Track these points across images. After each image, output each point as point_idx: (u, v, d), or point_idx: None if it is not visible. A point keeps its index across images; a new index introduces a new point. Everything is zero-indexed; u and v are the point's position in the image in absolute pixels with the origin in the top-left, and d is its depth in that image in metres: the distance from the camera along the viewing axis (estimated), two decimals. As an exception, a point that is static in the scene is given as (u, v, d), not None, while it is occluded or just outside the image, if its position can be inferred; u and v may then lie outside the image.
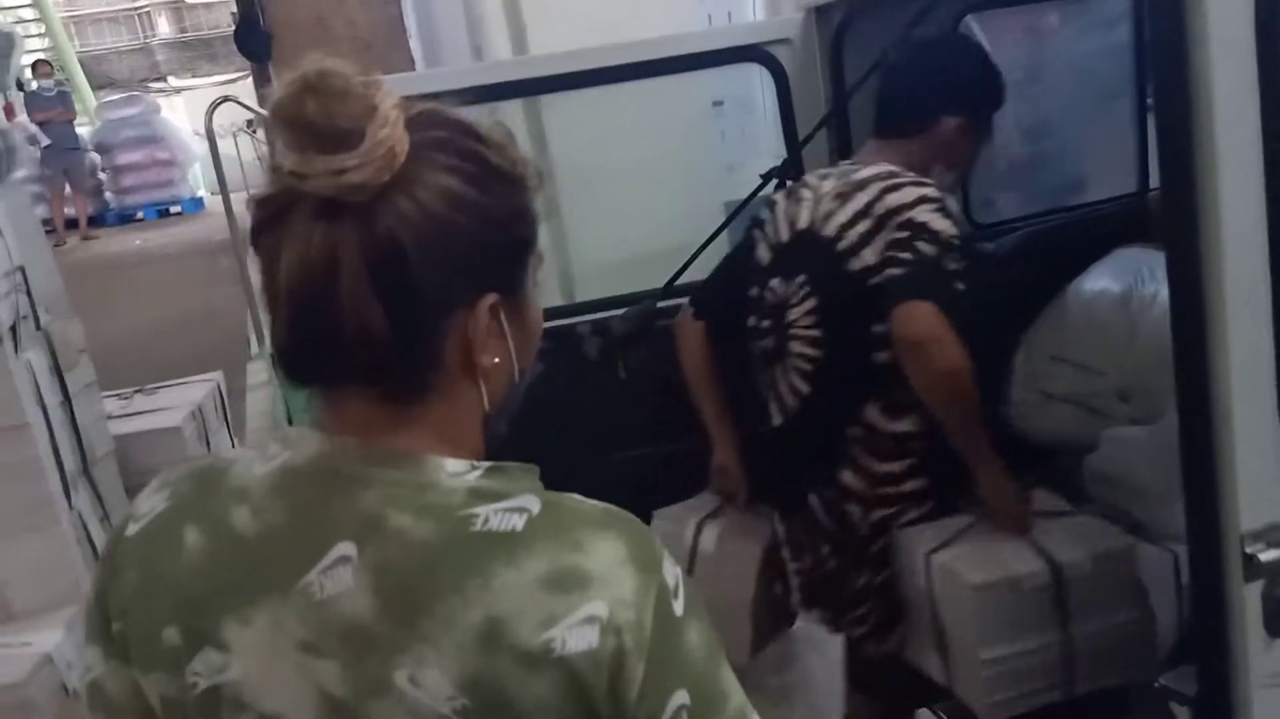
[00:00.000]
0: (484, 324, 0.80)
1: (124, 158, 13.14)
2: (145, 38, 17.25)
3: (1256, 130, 1.12)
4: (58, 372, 3.13)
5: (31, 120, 11.48)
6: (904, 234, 1.82)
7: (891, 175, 1.90)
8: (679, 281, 2.54)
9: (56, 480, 2.91)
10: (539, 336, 0.88)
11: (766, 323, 2.05)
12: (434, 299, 0.77)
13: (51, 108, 11.77)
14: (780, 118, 2.57)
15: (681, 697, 0.77)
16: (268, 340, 4.44)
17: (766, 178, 2.48)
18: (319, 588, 0.77)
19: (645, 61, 2.56)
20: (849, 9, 2.46)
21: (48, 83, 12.07)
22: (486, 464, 0.81)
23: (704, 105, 3.41)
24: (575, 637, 0.74)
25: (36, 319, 3.08)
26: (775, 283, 2.03)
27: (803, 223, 1.98)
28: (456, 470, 0.79)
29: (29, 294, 3.03)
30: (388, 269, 0.75)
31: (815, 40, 2.49)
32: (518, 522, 0.77)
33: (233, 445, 4.62)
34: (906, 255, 1.80)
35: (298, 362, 0.80)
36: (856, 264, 1.87)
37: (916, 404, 1.84)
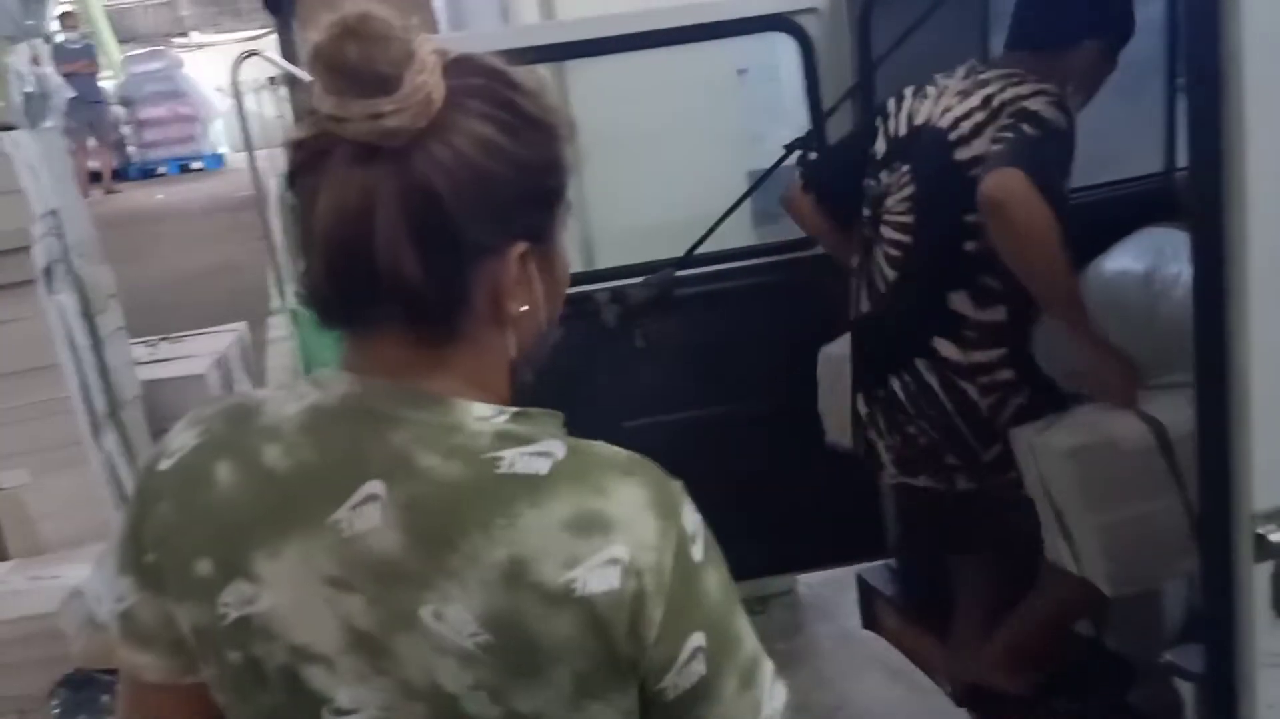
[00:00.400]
0: (514, 272, 0.81)
1: (147, 112, 13.16)
2: (170, -8, 17.25)
3: None
4: (88, 315, 3.20)
5: (57, 72, 11.52)
6: (1012, 120, 1.83)
7: (1018, 74, 1.92)
8: (699, 251, 2.57)
9: (85, 420, 2.99)
10: (566, 286, 0.89)
11: (868, 212, 2.10)
12: (466, 245, 0.78)
13: (77, 60, 11.79)
14: (805, 88, 2.59)
15: (698, 639, 0.79)
16: (289, 295, 4.50)
17: (790, 148, 2.51)
18: (348, 524, 0.79)
19: (672, 28, 2.57)
20: (878, -19, 2.47)
21: (74, 35, 12.09)
22: (513, 409, 0.82)
23: (729, 74, 3.42)
24: (597, 578, 0.76)
25: (69, 263, 3.15)
26: (884, 174, 2.07)
27: (920, 118, 2.02)
28: (483, 414, 0.81)
29: (62, 238, 3.10)
30: (423, 214, 0.76)
31: (843, 11, 2.50)
32: (542, 465, 0.79)
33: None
34: (1009, 135, 1.81)
35: (331, 304, 0.81)
36: (963, 154, 1.90)
37: (1007, 293, 1.86)
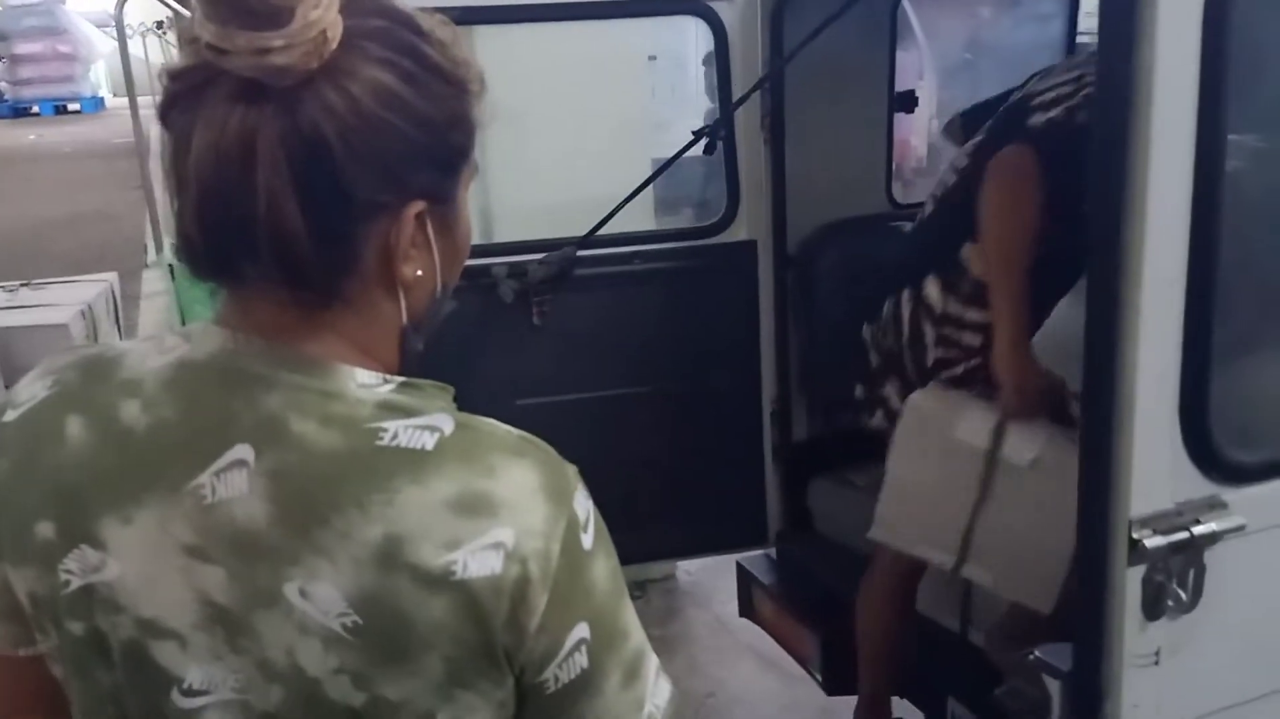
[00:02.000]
0: (408, 233, 0.75)
1: (22, 47, 12.44)
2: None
3: (1190, 134, 1.17)
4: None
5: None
6: (1083, 101, 1.83)
7: None
8: (601, 232, 2.55)
9: (-67, 367, 2.79)
10: (466, 253, 0.83)
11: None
12: (357, 200, 0.72)
13: (-55, -16, 11.09)
14: (717, 76, 2.60)
15: (582, 630, 0.75)
16: (166, 248, 4.31)
17: (697, 136, 2.51)
18: (211, 491, 0.73)
19: (585, 2, 2.55)
20: (794, -28, 2.49)
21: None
22: (400, 379, 0.77)
23: (640, 59, 3.41)
24: (478, 561, 0.71)
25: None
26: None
27: (1029, 88, 2.02)
28: (367, 382, 0.75)
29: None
30: (308, 163, 0.69)
31: (758, 1, 2.51)
32: (428, 440, 0.73)
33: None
34: (1064, 116, 1.83)
35: (203, 254, 0.73)
36: (1033, 119, 1.90)
37: None
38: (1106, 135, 1.19)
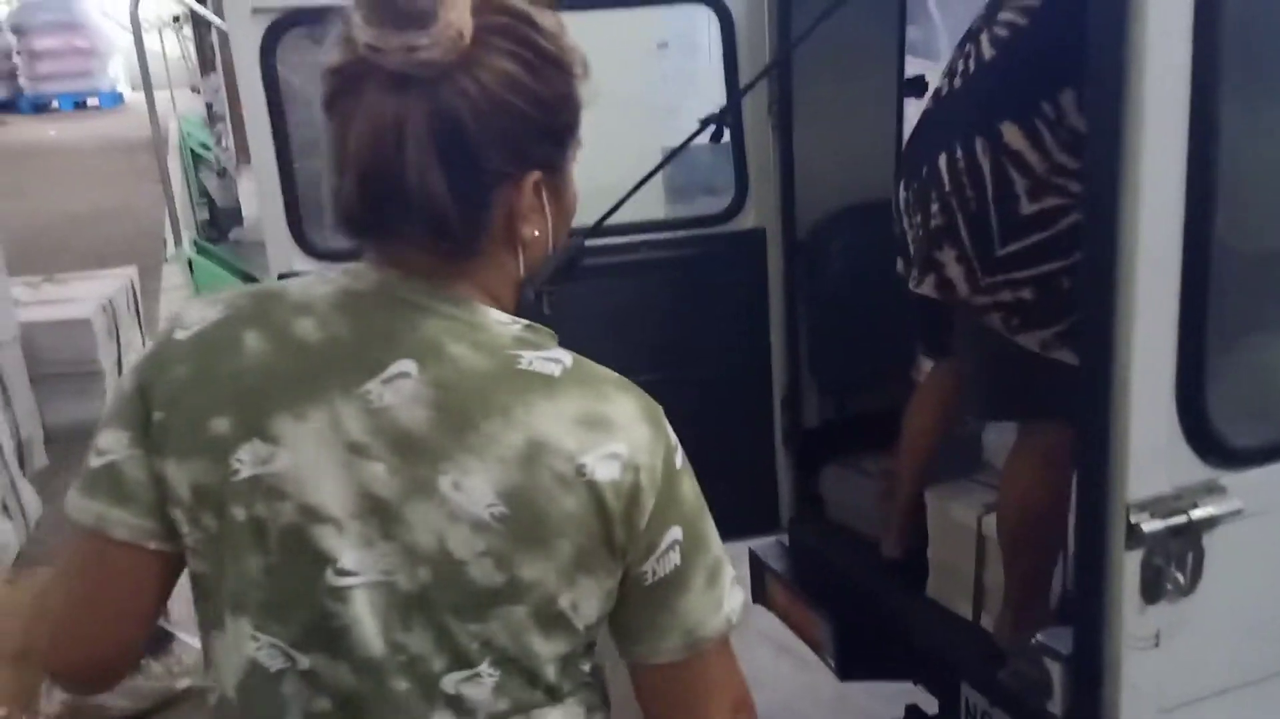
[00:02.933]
0: (528, 199, 0.89)
1: (41, 43, 12.53)
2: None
3: (1184, 112, 1.17)
4: (-35, 251, 3.04)
5: (-58, -8, 10.87)
6: None
7: None
8: (610, 221, 2.56)
9: (-43, 362, 2.84)
10: (573, 217, 0.97)
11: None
12: (487, 171, 0.86)
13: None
14: (724, 63, 2.60)
15: (676, 533, 0.91)
16: (185, 242, 4.35)
17: (705, 123, 2.50)
18: (378, 396, 0.87)
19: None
20: (801, -41, 2.48)
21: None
22: (523, 321, 0.92)
23: (649, 46, 3.40)
24: (603, 467, 0.87)
25: (-55, 195, 2.98)
26: None
27: None
28: (502, 320, 0.91)
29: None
30: (449, 140, 0.83)
31: (765, -14, 2.51)
32: (555, 369, 0.89)
33: (144, 344, 4.52)
34: None
35: (360, 218, 0.88)
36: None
37: None
38: (1100, 114, 1.20)
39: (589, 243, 2.52)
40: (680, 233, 2.65)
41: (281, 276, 2.33)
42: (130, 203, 7.19)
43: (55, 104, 12.82)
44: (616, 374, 0.94)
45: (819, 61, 2.50)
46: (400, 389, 0.87)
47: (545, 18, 0.89)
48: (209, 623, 0.94)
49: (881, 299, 2.50)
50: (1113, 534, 1.27)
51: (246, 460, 0.87)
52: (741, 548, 2.87)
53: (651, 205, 2.76)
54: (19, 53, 12.63)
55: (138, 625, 0.94)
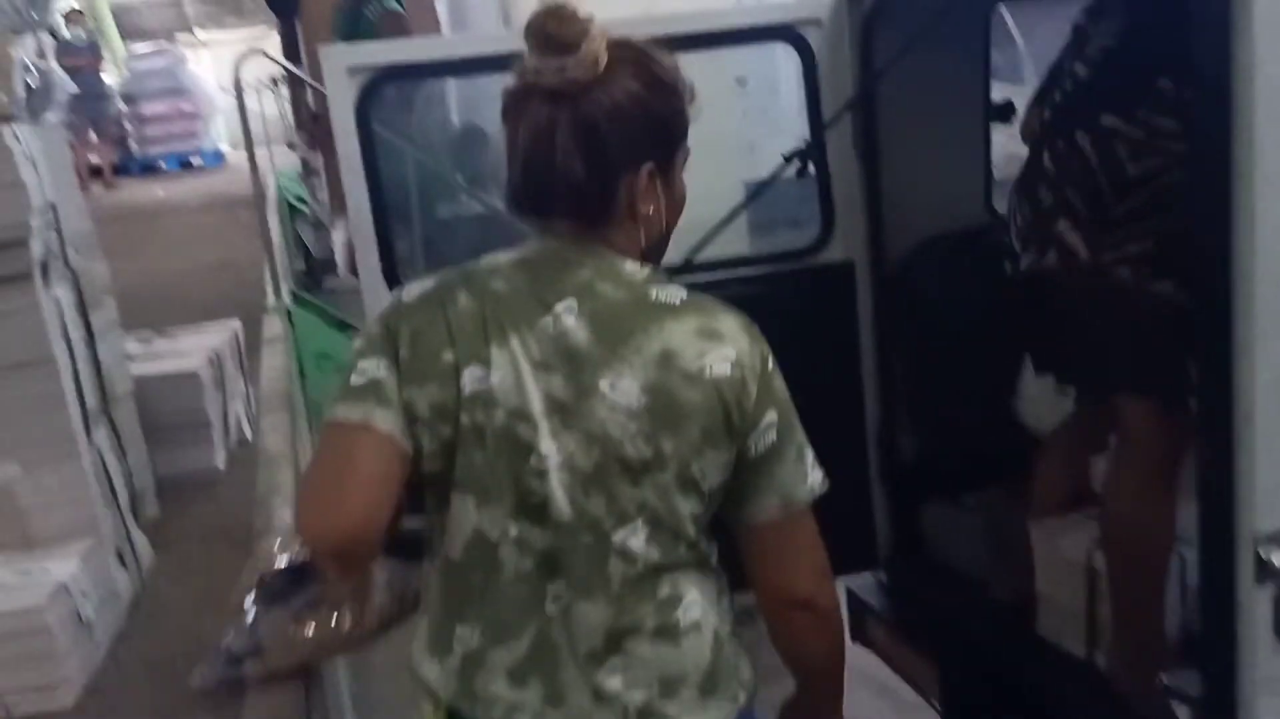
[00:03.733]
0: (644, 183, 1.20)
1: (149, 108, 13.13)
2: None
3: None
4: (83, 310, 3.18)
5: (61, 67, 11.48)
6: None
7: None
8: (695, 258, 2.56)
9: (78, 415, 2.96)
10: (683, 206, 1.28)
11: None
12: (614, 161, 1.18)
13: (81, 55, 11.76)
14: (806, 99, 2.59)
15: (772, 416, 1.21)
16: (284, 293, 4.48)
17: (789, 158, 2.50)
18: (551, 326, 1.19)
19: (675, 36, 2.54)
20: (881, -7, 2.47)
21: (78, 31, 12.07)
22: (650, 268, 1.23)
23: (728, 82, 3.42)
24: (719, 366, 1.18)
25: (65, 257, 3.13)
26: None
27: None
28: (634, 268, 1.22)
29: (59, 232, 3.08)
30: (587, 138, 1.16)
31: (846, 22, 2.50)
32: (676, 299, 1.21)
33: (248, 393, 4.67)
34: None
35: (525, 198, 1.22)
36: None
37: None
38: (1207, 134, 1.16)
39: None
40: (767, 268, 2.64)
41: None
42: (232, 256, 7.45)
43: (162, 165, 13.40)
44: (723, 302, 1.24)
45: (903, 91, 2.48)
46: (566, 320, 1.19)
47: (662, 54, 1.22)
48: (438, 506, 1.24)
49: (976, 328, 2.45)
50: (1241, 569, 1.21)
51: (468, 381, 1.18)
52: (838, 586, 2.83)
53: (735, 241, 2.76)
54: (129, 119, 13.28)
55: (378, 506, 1.16)
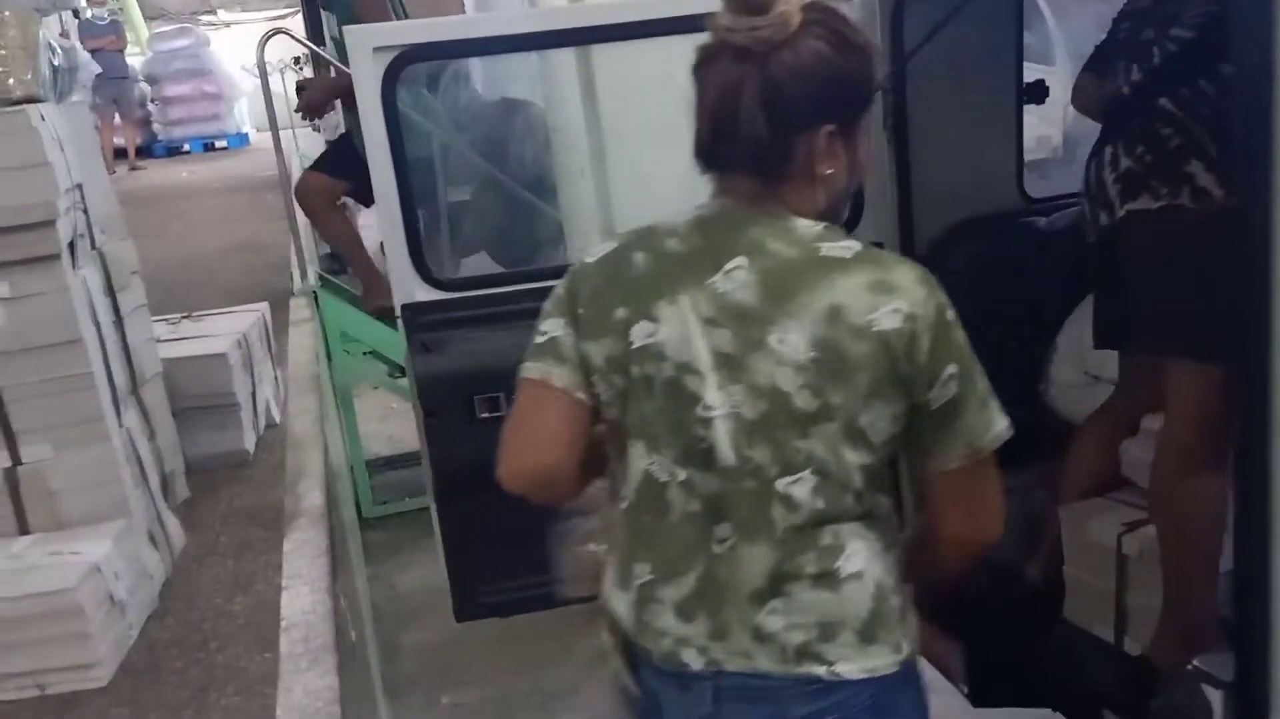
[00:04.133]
0: (823, 144, 1.22)
1: (173, 90, 13.15)
2: (198, -30, 17.22)
3: None
4: (111, 291, 3.20)
5: (83, 47, 11.52)
6: None
7: None
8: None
9: (108, 397, 2.99)
10: (868, 165, 1.30)
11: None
12: (796, 120, 1.20)
13: (103, 35, 11.78)
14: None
15: (952, 369, 1.21)
16: (310, 276, 4.49)
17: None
18: (721, 284, 1.23)
19: (700, 14, 2.54)
20: (912, -27, 2.44)
21: (101, 11, 12.10)
22: (824, 224, 1.25)
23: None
24: (887, 320, 1.18)
25: (92, 238, 3.14)
26: None
27: None
28: (807, 224, 1.24)
29: (86, 213, 3.09)
30: (771, 95, 1.19)
31: (876, 3, 2.48)
32: (848, 253, 1.22)
33: (276, 377, 4.69)
34: None
35: (711, 152, 1.25)
36: None
37: None
38: (1248, 130, 1.14)
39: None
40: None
41: (405, 306, 2.39)
42: (258, 239, 7.49)
43: (187, 147, 13.46)
44: (898, 254, 1.29)
45: (934, 72, 2.46)
46: (736, 277, 1.23)
47: (849, 14, 1.25)
48: (617, 452, 1.33)
49: (1005, 311, 2.43)
50: (1275, 554, 1.20)
51: (638, 336, 1.25)
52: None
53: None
54: (153, 100, 13.32)
55: (564, 446, 1.30)
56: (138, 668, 2.63)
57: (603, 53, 2.92)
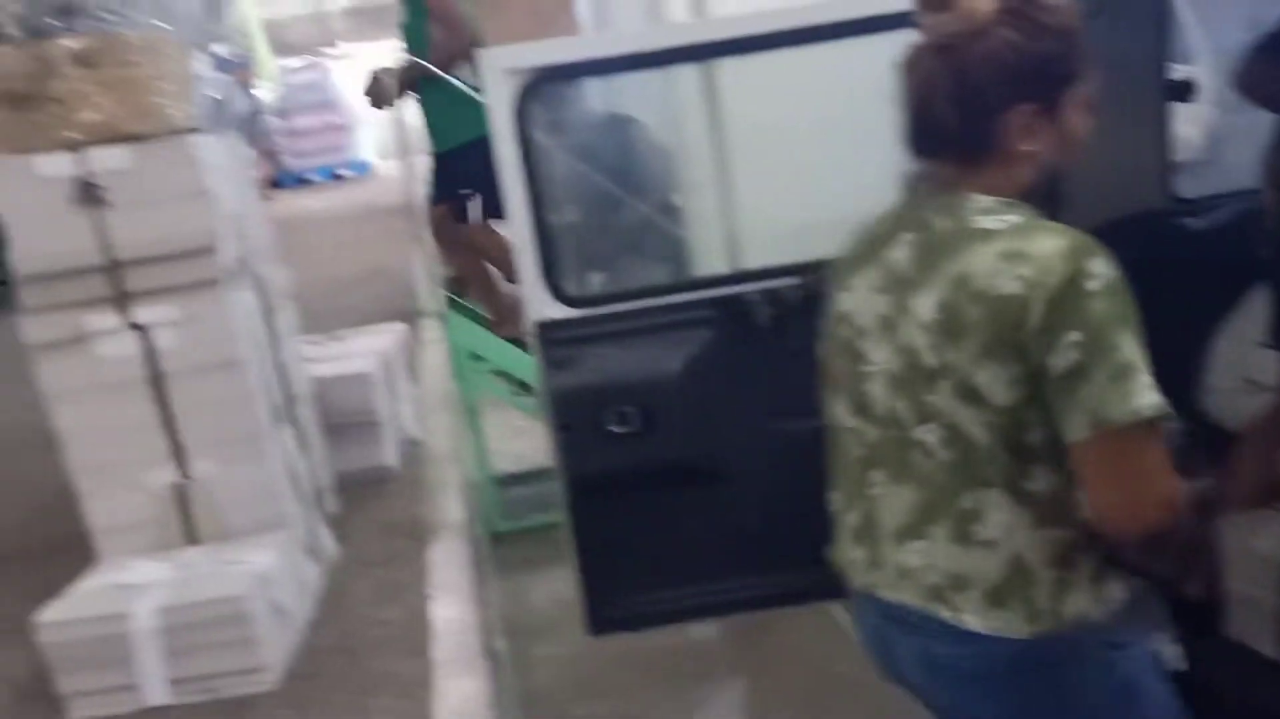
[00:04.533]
0: (1019, 123, 1.34)
1: (300, 122, 13.65)
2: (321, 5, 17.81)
3: None
4: (267, 314, 3.35)
5: (216, 83, 12.03)
6: None
7: None
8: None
9: (267, 415, 3.13)
10: (1072, 144, 1.40)
11: None
12: (989, 105, 1.33)
13: (234, 70, 12.35)
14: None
15: (1075, 335, 1.26)
16: (439, 298, 4.62)
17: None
18: (889, 257, 1.44)
19: (826, 24, 2.51)
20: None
21: (233, 47, 12.70)
22: (1001, 200, 1.37)
23: (884, 69, 3.35)
24: (1007, 285, 1.28)
25: (249, 263, 3.30)
26: None
27: None
28: (983, 200, 1.36)
29: (244, 239, 3.25)
30: (961, 84, 1.32)
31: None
32: (1001, 225, 1.34)
33: (412, 394, 4.84)
34: None
35: (915, 141, 1.41)
36: None
37: None
38: None
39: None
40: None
41: (539, 324, 2.44)
42: (385, 263, 7.72)
43: (314, 177, 13.96)
44: (1063, 226, 1.32)
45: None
46: (900, 251, 1.42)
47: (1053, 3, 1.33)
48: (830, 401, 1.58)
49: (1157, 314, 2.35)
50: None
51: (840, 303, 1.53)
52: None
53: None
54: (282, 133, 13.87)
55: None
56: (301, 673, 2.74)
57: (728, 66, 2.93)
